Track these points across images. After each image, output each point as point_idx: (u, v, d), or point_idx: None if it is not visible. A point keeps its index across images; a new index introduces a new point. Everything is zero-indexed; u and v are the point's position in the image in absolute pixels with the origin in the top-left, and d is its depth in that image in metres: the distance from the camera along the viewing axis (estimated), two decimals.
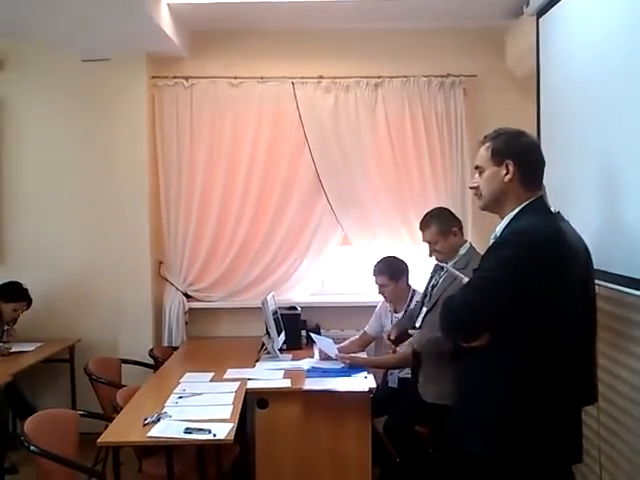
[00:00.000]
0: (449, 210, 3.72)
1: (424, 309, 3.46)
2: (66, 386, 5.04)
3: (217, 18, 4.78)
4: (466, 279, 2.90)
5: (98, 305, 5.13)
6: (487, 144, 2.37)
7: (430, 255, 3.59)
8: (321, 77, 5.03)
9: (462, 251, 3.50)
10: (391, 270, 4.27)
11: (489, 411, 2.18)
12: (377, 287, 4.32)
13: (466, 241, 3.61)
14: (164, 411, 3.18)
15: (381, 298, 4.41)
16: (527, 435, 2.14)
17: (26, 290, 4.82)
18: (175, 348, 4.95)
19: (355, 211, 5.11)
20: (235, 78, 5.03)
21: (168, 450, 3.15)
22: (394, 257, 4.40)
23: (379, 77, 5.03)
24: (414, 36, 5.06)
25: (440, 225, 3.53)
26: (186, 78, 5.03)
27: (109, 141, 5.03)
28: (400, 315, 4.21)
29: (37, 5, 3.97)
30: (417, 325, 3.46)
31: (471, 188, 2.44)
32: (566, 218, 2.33)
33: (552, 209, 2.31)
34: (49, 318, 5.07)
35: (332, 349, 4.17)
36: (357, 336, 4.60)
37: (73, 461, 2.98)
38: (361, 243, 5.15)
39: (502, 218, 2.33)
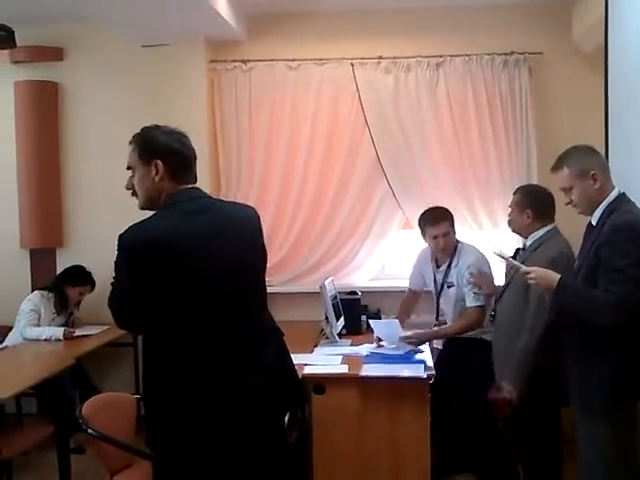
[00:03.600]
0: (547, 192, 3.41)
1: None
2: (130, 370, 5.15)
3: (274, 0, 4.73)
4: (523, 267, 2.80)
5: None
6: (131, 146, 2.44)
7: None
8: (381, 57, 4.92)
9: (542, 232, 3.32)
10: (451, 216, 4.13)
11: None
12: (429, 238, 4.10)
13: (545, 226, 3.33)
14: None
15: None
16: None
17: (89, 273, 4.91)
18: None
19: (416, 194, 5.00)
20: (293, 60, 4.98)
21: None
22: (441, 207, 4.26)
23: (440, 56, 4.89)
24: (476, 13, 4.90)
25: (520, 199, 3.44)
26: (244, 61, 5.01)
27: (170, 125, 5.03)
28: (443, 269, 4.10)
29: None
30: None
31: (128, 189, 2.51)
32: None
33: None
34: None
35: (396, 331, 4.06)
36: (405, 297, 4.52)
37: (127, 444, 2.99)
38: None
39: None
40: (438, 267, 4.18)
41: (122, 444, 2.98)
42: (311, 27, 4.98)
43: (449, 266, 4.07)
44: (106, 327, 4.96)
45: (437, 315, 4.27)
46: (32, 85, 5.14)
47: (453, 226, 4.13)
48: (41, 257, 5.33)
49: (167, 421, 2.24)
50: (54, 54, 5.16)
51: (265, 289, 2.47)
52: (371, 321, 4.18)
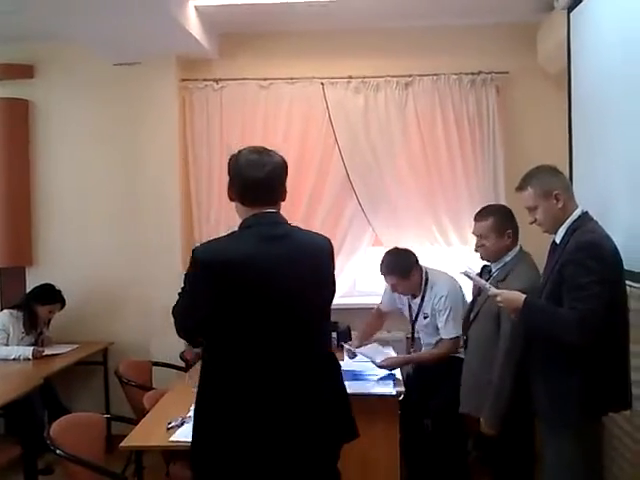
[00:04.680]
0: (511, 211, 3.40)
1: (471, 316, 3.31)
2: (100, 389, 5.11)
3: (245, 20, 4.78)
4: (490, 287, 2.84)
5: (130, 308, 5.18)
6: None
7: (475, 250, 3.38)
8: (350, 77, 4.98)
9: (507, 258, 3.26)
10: (399, 268, 4.00)
11: None
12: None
13: (517, 247, 3.31)
14: (189, 415, 3.16)
15: None
16: None
17: (59, 292, 4.88)
18: None
19: (386, 212, 5.05)
20: (265, 79, 5.01)
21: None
22: (397, 251, 4.16)
23: (409, 76, 4.96)
24: (444, 34, 4.98)
25: (498, 221, 3.27)
26: (216, 80, 5.04)
27: (141, 144, 5.06)
28: (418, 300, 4.09)
29: (67, 11, 4.00)
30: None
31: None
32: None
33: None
34: (82, 321, 5.14)
35: (378, 354, 4.08)
36: (371, 315, 4.55)
37: (96, 464, 2.99)
38: (392, 244, 5.06)
39: None
40: (414, 297, 4.17)
41: (91, 464, 2.97)
42: (282, 46, 5.03)
43: (422, 298, 4.08)
44: (76, 346, 4.95)
45: (412, 341, 4.31)
46: (2, 103, 5.12)
47: (408, 273, 4.03)
48: (10, 276, 5.29)
49: (216, 444, 2.22)
50: (25, 72, 5.14)
51: (329, 322, 2.46)
52: (357, 350, 4.16)
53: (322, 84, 4.99)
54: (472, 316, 3.29)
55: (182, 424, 3.04)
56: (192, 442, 2.30)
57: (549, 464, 2.72)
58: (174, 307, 2.31)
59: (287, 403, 2.20)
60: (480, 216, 3.36)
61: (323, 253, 2.38)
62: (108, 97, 5.12)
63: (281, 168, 2.31)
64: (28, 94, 5.21)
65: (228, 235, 2.28)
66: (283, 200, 2.35)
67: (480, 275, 3.29)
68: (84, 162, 5.21)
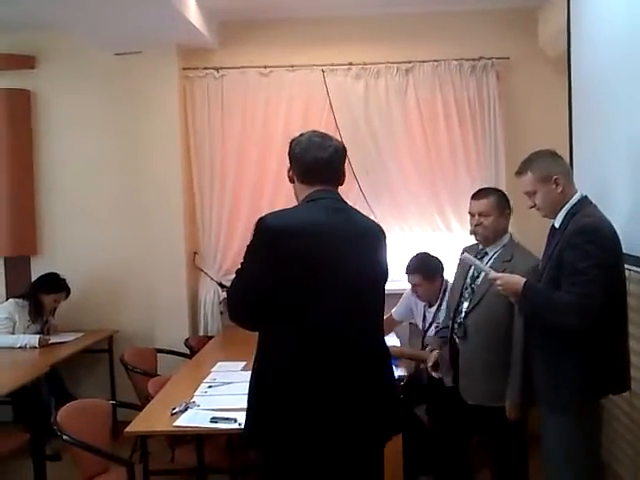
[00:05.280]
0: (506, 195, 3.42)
1: (465, 304, 3.26)
2: (106, 376, 5.16)
3: (245, 8, 4.80)
4: (490, 270, 2.85)
5: (135, 296, 5.23)
6: None
7: (472, 232, 3.32)
8: (351, 64, 4.99)
9: (505, 240, 3.25)
10: (426, 269, 3.96)
11: None
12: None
13: (508, 232, 3.32)
14: (193, 400, 3.21)
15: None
16: None
17: (64, 280, 4.93)
18: (211, 337, 4.99)
19: (387, 199, 5.08)
20: (265, 67, 5.03)
21: (198, 439, 3.20)
22: (428, 254, 4.15)
23: (409, 62, 4.97)
24: (444, 19, 4.98)
25: (499, 200, 3.25)
26: (217, 69, 5.06)
27: (142, 133, 5.08)
28: (434, 310, 4.08)
29: (67, 1, 4.01)
30: (459, 321, 3.27)
31: None
32: None
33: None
34: (87, 309, 5.19)
35: None
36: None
37: (102, 449, 3.03)
38: (394, 231, 5.10)
39: None
40: (430, 306, 4.15)
41: (97, 450, 3.02)
42: (282, 34, 5.04)
43: (438, 308, 4.05)
44: (81, 334, 5.00)
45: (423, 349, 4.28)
46: (4, 93, 5.15)
47: (433, 277, 4.01)
48: (15, 265, 5.33)
49: (274, 430, 2.14)
50: (26, 62, 5.17)
51: (384, 308, 2.39)
52: None
53: (322, 71, 5.00)
54: (469, 305, 3.22)
55: (186, 409, 3.07)
56: (249, 425, 2.22)
57: (548, 446, 2.74)
58: (231, 287, 2.24)
59: (349, 388, 2.15)
60: (481, 194, 3.32)
61: (382, 237, 2.39)
62: (109, 86, 5.16)
63: (342, 151, 2.36)
64: (30, 84, 5.24)
65: (294, 207, 2.29)
66: (341, 184, 2.38)
67: (475, 257, 3.25)
68: (86, 151, 5.24)
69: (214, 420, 2.94)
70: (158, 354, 4.76)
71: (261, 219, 2.15)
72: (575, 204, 2.68)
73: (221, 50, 5.11)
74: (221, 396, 3.33)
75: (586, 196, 2.70)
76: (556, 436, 2.68)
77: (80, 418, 3.20)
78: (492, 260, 3.21)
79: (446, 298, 3.93)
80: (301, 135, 2.35)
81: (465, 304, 3.24)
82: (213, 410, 3.06)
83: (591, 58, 3.53)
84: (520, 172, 2.79)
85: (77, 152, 5.25)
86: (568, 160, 3.55)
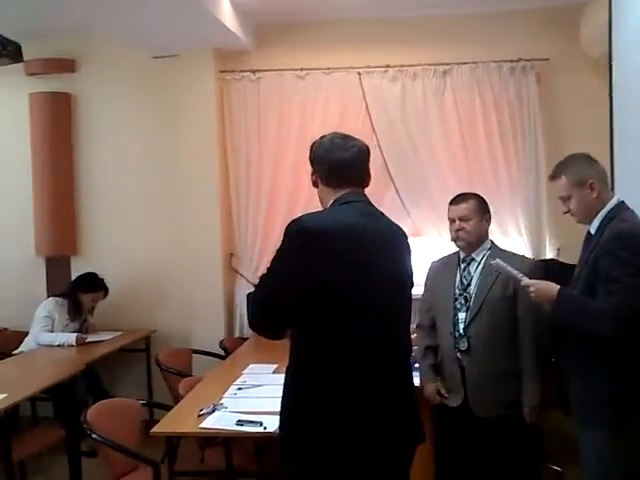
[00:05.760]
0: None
1: (461, 315, 3.11)
2: (143, 375, 5.23)
3: (281, 10, 4.81)
4: (522, 277, 2.78)
5: (172, 297, 5.29)
6: None
7: (453, 239, 3.22)
8: (388, 66, 4.95)
9: (487, 244, 3.17)
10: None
11: None
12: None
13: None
14: (221, 402, 3.22)
15: None
16: None
17: (102, 280, 5.01)
18: (245, 339, 5.01)
19: (424, 202, 5.02)
20: (301, 70, 5.03)
21: (226, 441, 3.21)
22: None
23: (447, 64, 4.91)
24: (482, 20, 4.91)
25: (478, 204, 3.17)
26: (253, 71, 5.08)
27: (179, 136, 5.13)
28: None
29: (104, 5, 4.08)
30: (457, 334, 3.12)
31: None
32: None
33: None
34: (125, 309, 5.27)
35: None
36: None
37: (128, 448, 3.06)
38: (431, 234, 5.05)
39: None
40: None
41: (123, 448, 3.05)
42: (318, 36, 5.04)
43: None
44: (118, 333, 5.08)
45: None
46: (46, 96, 5.27)
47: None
48: (56, 265, 5.45)
49: (310, 435, 2.08)
50: (67, 66, 5.28)
51: (411, 313, 2.32)
52: None
53: (359, 73, 4.98)
54: (467, 315, 3.10)
55: (213, 411, 3.08)
56: (283, 433, 2.16)
57: (584, 461, 2.66)
58: (259, 290, 2.16)
59: (384, 393, 2.11)
60: (459, 199, 3.25)
61: (407, 240, 2.36)
62: (147, 89, 5.24)
63: (365, 152, 2.32)
64: (70, 87, 5.36)
65: (324, 210, 2.24)
66: (367, 185, 2.32)
67: (458, 267, 3.21)
68: (125, 153, 5.33)
69: (240, 423, 2.93)
70: (193, 355, 4.80)
71: (296, 221, 2.09)
72: (611, 209, 2.60)
73: (257, 53, 5.14)
74: (249, 399, 3.33)
75: (623, 201, 2.62)
76: (592, 452, 2.60)
77: (110, 417, 3.24)
78: (481, 264, 3.14)
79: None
80: (322, 137, 2.31)
81: (461, 315, 3.12)
82: (240, 413, 3.06)
83: (633, 57, 3.42)
84: (554, 176, 2.73)
85: (115, 154, 5.35)
86: (609, 164, 3.45)
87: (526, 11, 4.84)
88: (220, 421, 2.98)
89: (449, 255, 3.33)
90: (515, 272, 2.85)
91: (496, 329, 3.04)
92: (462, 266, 3.20)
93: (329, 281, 2.04)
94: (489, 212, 3.25)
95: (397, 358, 2.20)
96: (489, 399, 3.05)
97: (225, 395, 3.37)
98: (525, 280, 2.74)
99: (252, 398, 3.34)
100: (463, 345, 3.08)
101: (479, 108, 4.91)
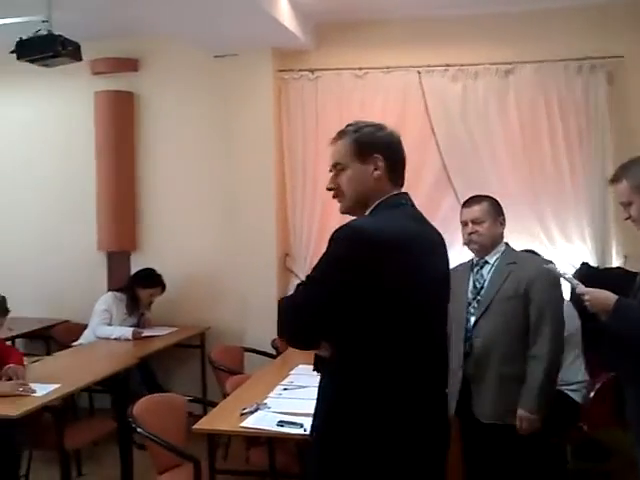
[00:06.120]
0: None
1: (472, 319, 3.01)
2: (197, 371, 5.28)
3: (341, 9, 4.78)
4: (578, 284, 2.65)
5: (227, 295, 5.32)
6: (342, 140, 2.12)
7: (465, 242, 3.11)
8: (448, 65, 4.85)
9: (502, 247, 3.07)
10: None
11: None
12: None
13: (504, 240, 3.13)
14: (265, 402, 3.20)
15: None
16: None
17: (160, 276, 5.08)
18: None
19: None
20: (360, 69, 4.98)
21: (270, 442, 3.20)
22: (533, 252, 3.85)
23: (510, 63, 4.77)
24: (548, 17, 4.74)
25: (492, 206, 3.09)
26: (311, 70, 5.06)
27: (237, 135, 5.17)
28: None
29: (167, 7, 4.15)
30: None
31: (329, 189, 2.15)
32: None
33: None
34: (181, 305, 5.34)
35: None
36: None
37: (170, 443, 3.08)
38: None
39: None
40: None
41: (166, 444, 3.07)
42: (378, 35, 4.97)
43: None
44: (174, 329, 5.14)
45: None
46: (110, 95, 5.40)
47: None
48: (117, 260, 5.57)
49: (348, 460, 1.96)
50: (130, 65, 5.40)
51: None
52: None
53: (419, 72, 4.90)
54: (475, 317, 3.00)
55: (256, 410, 3.07)
56: (318, 458, 2.05)
57: None
58: (297, 300, 2.01)
59: (430, 410, 2.02)
60: (472, 201, 3.16)
61: (446, 247, 2.23)
62: (207, 88, 5.29)
63: None
64: (133, 86, 5.46)
65: (375, 215, 2.02)
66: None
67: (471, 272, 3.10)
68: (184, 151, 5.40)
69: (281, 424, 2.91)
70: (245, 353, 4.82)
71: (349, 226, 1.93)
72: None
73: (316, 52, 5.11)
74: (293, 400, 3.30)
75: None
76: None
77: (157, 412, 3.28)
78: (494, 266, 3.02)
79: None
80: (378, 125, 2.14)
81: (472, 319, 3.02)
82: (282, 413, 3.04)
83: None
84: (614, 180, 2.59)
85: (175, 153, 5.43)
86: None
87: (595, 6, 4.64)
88: (261, 421, 2.96)
89: (462, 263, 3.21)
90: (571, 279, 2.73)
91: (503, 330, 2.93)
92: (475, 270, 3.09)
93: (384, 292, 1.90)
94: (503, 214, 3.15)
95: (442, 370, 2.11)
96: (491, 404, 2.92)
97: (270, 395, 3.36)
98: (581, 287, 2.61)
99: (296, 399, 3.31)
100: (467, 347, 2.99)
101: (543, 109, 4.74)
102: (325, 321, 1.94)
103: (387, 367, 1.94)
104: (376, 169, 2.06)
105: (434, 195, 4.95)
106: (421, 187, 4.92)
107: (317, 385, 2.46)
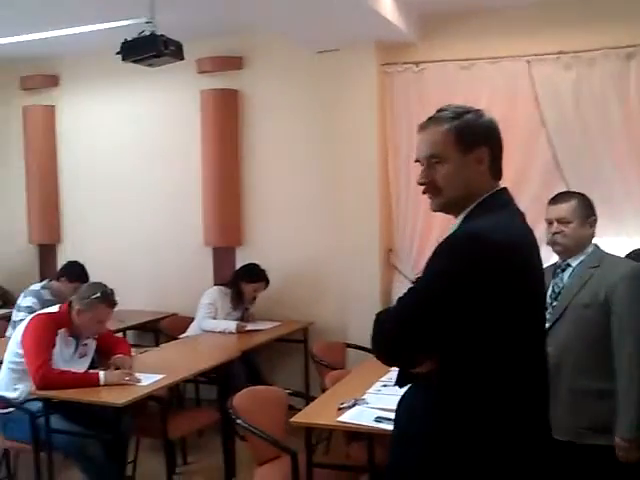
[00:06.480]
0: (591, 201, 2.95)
1: (547, 325, 2.70)
2: (300, 366, 5.30)
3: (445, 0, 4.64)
4: None
5: (330, 290, 5.32)
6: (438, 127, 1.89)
7: (549, 242, 2.85)
8: (561, 52, 4.59)
9: (589, 249, 2.80)
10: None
11: None
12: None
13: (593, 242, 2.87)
14: (363, 397, 3.17)
15: None
16: None
17: (264, 271, 5.14)
18: None
19: (600, 201, 4.43)
20: (466, 60, 4.82)
21: (368, 437, 3.15)
22: None
23: (632, 46, 4.43)
24: None
25: (581, 204, 2.83)
26: (416, 63, 4.95)
27: (341, 129, 5.12)
28: None
29: (270, 3, 4.17)
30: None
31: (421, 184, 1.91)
32: None
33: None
34: (285, 300, 5.39)
35: None
36: None
37: (268, 435, 3.09)
38: (608, 238, 4.59)
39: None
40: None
41: (264, 435, 3.08)
42: (483, 24, 4.79)
43: None
44: (278, 323, 5.19)
45: None
46: (215, 93, 5.51)
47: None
48: (222, 255, 5.70)
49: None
50: (234, 63, 5.49)
51: None
52: None
53: (528, 62, 4.66)
54: (548, 325, 2.68)
55: (353, 405, 3.04)
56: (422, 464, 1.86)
57: None
58: (404, 313, 1.79)
59: (535, 431, 1.86)
60: (560, 198, 2.89)
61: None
62: (310, 84, 5.30)
63: None
64: (237, 84, 5.55)
65: (484, 216, 1.80)
66: None
67: (554, 275, 2.84)
68: (287, 147, 5.44)
69: (378, 420, 2.87)
70: (347, 349, 4.79)
71: (469, 235, 1.74)
72: None
73: (421, 44, 4.99)
74: (392, 396, 3.20)
75: None
76: None
77: (257, 404, 3.32)
78: (575, 269, 2.77)
79: None
80: (478, 111, 1.92)
81: (547, 326, 2.73)
82: (381, 409, 2.98)
83: None
84: None
85: (278, 150, 5.48)
86: None
87: None
88: (358, 416, 2.93)
89: (547, 265, 2.91)
90: None
91: (581, 339, 2.66)
92: (557, 272, 2.85)
93: (504, 305, 1.72)
94: (594, 214, 2.86)
95: (545, 387, 1.95)
96: (565, 420, 2.61)
97: (369, 391, 3.32)
98: None
99: (395, 396, 3.18)
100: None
101: None
102: (428, 339, 1.76)
103: (496, 384, 1.77)
104: (480, 162, 1.85)
105: (544, 189, 4.65)
106: (530, 181, 4.72)
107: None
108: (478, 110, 1.93)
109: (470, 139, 1.84)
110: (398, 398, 3.12)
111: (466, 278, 1.69)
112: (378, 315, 1.90)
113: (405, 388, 2.02)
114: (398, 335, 1.79)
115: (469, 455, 1.77)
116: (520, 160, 4.74)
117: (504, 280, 1.70)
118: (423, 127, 1.95)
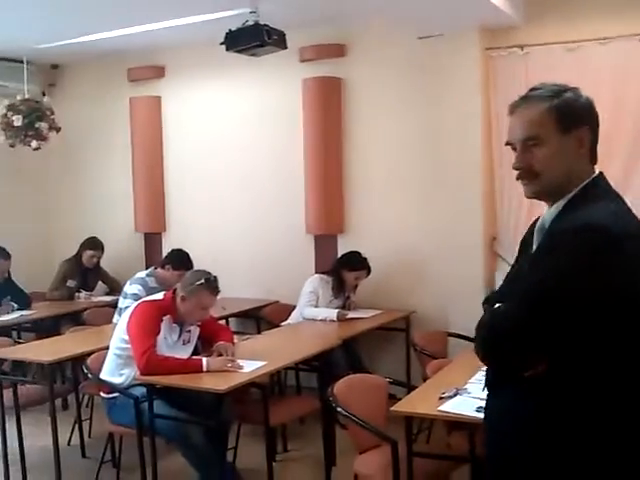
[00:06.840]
0: None
1: None
2: (402, 355, 5.28)
3: None
4: None
5: (432, 279, 5.27)
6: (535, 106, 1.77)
7: None
8: None
9: None
10: None
11: None
12: None
13: None
14: (465, 387, 3.12)
15: None
16: None
17: (365, 259, 5.14)
18: None
19: None
20: (573, 42, 4.64)
21: (469, 427, 3.11)
22: None
23: None
24: None
25: None
26: (520, 47, 4.81)
27: (443, 116, 5.06)
28: None
29: None
30: None
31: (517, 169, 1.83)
32: None
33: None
34: (386, 288, 5.38)
35: None
36: None
37: (367, 423, 3.09)
38: None
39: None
40: None
41: (364, 424, 3.09)
42: (591, 3, 4.59)
43: None
44: (379, 312, 5.19)
45: None
46: (318, 81, 5.52)
47: None
48: (324, 242, 5.74)
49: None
50: (337, 51, 5.48)
51: None
52: None
53: None
54: None
55: (455, 395, 3.00)
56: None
57: None
58: (510, 314, 1.71)
59: None
60: None
61: None
62: (412, 70, 5.23)
63: None
64: (341, 72, 5.55)
65: (598, 203, 1.70)
66: None
67: None
68: (389, 135, 5.41)
69: (480, 409, 2.81)
70: (450, 338, 4.73)
71: (588, 225, 1.62)
72: None
73: (526, 27, 4.83)
74: None
75: None
76: None
77: (357, 392, 3.32)
78: None
79: None
80: (570, 89, 1.81)
81: None
82: (482, 399, 2.93)
83: None
84: None
85: (380, 137, 5.44)
86: None
87: None
88: (460, 406, 2.89)
89: None
90: None
91: None
92: None
93: (626, 302, 1.63)
94: None
95: None
96: None
97: (471, 380, 3.25)
98: None
99: None
100: None
101: None
102: (546, 340, 1.67)
103: (616, 388, 1.67)
104: (581, 143, 1.76)
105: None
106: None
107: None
108: (575, 88, 1.83)
109: (572, 118, 1.75)
110: None
111: (588, 275, 1.60)
112: (492, 312, 1.80)
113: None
114: (514, 335, 1.70)
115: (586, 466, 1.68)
116: (630, 146, 4.53)
117: (625, 274, 1.61)
118: (516, 107, 1.86)
